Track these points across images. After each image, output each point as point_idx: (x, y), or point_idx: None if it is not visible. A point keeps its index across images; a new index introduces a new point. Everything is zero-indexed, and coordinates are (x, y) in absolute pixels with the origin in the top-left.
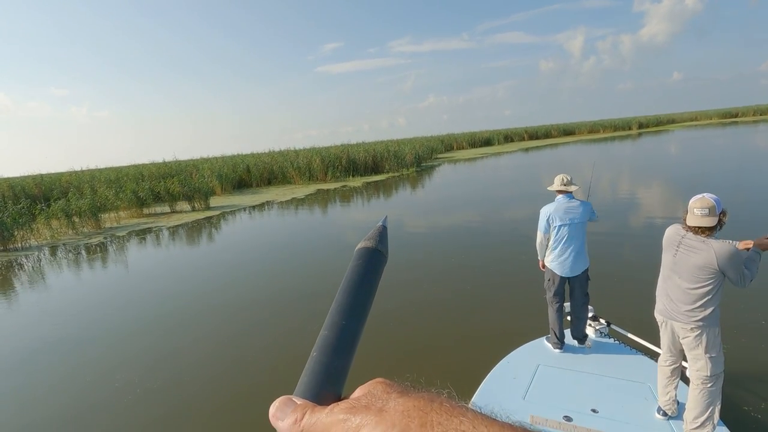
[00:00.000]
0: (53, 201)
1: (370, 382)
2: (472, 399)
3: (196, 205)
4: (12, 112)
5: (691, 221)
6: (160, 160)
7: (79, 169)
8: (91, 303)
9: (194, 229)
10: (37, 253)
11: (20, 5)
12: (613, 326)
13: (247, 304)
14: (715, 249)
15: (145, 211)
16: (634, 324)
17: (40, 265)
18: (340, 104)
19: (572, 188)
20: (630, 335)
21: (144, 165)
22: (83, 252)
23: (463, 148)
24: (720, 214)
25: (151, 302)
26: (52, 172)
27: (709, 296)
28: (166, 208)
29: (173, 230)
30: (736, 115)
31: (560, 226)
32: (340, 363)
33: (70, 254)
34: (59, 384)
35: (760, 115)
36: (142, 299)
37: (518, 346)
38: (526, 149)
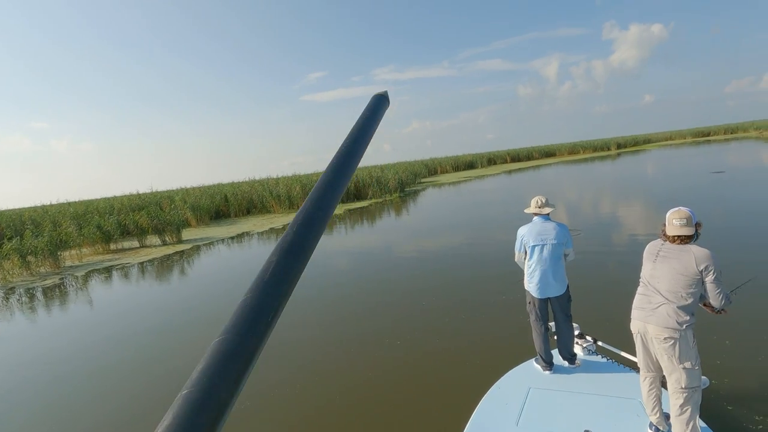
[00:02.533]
0: (6, 240)
1: None
2: (466, 428)
3: (167, 238)
4: None
5: (671, 231)
6: (142, 191)
7: (49, 203)
8: (19, 359)
9: (161, 266)
10: None
11: None
12: (600, 343)
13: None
14: (694, 252)
15: (112, 246)
16: (622, 339)
17: None
18: (325, 131)
19: (547, 210)
20: (617, 351)
21: (115, 197)
22: (37, 295)
23: (447, 172)
24: (696, 224)
25: (93, 355)
26: (23, 207)
27: (686, 302)
28: (135, 243)
29: (139, 267)
30: (708, 134)
31: (534, 247)
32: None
33: (22, 298)
34: None
35: (731, 133)
36: (82, 352)
37: (508, 370)
38: (509, 171)
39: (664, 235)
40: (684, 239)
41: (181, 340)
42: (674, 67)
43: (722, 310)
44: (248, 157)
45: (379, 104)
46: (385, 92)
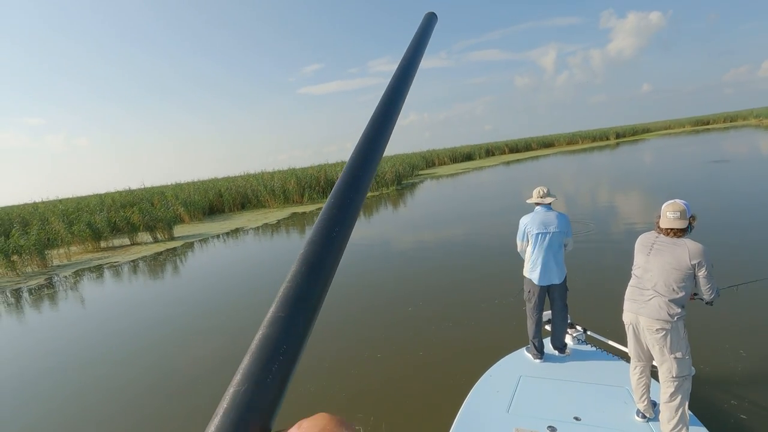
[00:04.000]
0: None
1: (315, 416)
2: (458, 415)
3: (158, 235)
4: None
5: (665, 224)
6: (136, 187)
7: (40, 200)
8: None
9: (153, 264)
10: None
11: None
12: (589, 332)
13: (194, 358)
14: (688, 246)
15: (103, 244)
16: (610, 329)
17: None
18: (323, 124)
19: (548, 200)
20: (606, 340)
21: (107, 194)
22: (23, 295)
23: (445, 164)
24: (690, 218)
25: (71, 365)
26: (12, 205)
27: (678, 295)
28: (126, 241)
29: (128, 265)
30: (708, 123)
31: (537, 235)
32: (280, 372)
33: (5, 299)
34: None
35: (730, 121)
36: (69, 359)
37: (499, 359)
38: (508, 162)
39: (659, 227)
40: (677, 232)
41: (173, 343)
42: (673, 56)
43: (711, 302)
44: (245, 152)
45: (430, 23)
46: (433, 12)
